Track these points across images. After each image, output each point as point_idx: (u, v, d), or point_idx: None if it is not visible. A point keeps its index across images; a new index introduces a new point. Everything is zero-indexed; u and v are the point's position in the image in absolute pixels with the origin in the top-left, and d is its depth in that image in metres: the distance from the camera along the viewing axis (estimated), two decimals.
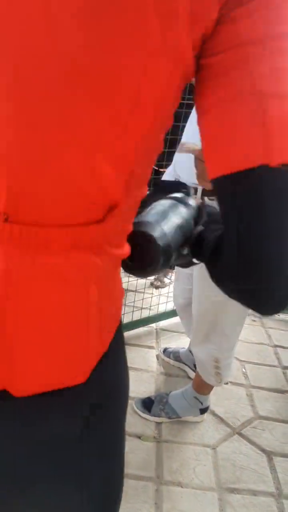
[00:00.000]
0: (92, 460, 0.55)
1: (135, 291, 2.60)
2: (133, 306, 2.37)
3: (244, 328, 2.52)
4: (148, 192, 0.56)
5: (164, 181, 1.38)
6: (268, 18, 0.40)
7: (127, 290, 2.66)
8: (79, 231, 0.45)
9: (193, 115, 1.30)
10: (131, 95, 0.40)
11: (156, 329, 2.42)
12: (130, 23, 0.38)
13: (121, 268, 0.57)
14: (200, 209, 0.60)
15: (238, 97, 0.40)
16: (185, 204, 0.59)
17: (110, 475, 0.61)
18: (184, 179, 1.31)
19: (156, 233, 0.51)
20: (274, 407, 1.96)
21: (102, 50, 0.38)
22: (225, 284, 0.51)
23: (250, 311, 2.67)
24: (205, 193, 0.98)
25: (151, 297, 2.58)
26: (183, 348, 2.13)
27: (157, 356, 2.18)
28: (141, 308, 2.37)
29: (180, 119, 1.77)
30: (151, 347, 2.25)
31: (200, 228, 0.58)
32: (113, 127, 0.41)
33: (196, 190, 0.98)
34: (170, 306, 2.45)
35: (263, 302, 0.47)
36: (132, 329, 2.34)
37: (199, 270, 1.50)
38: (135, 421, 1.76)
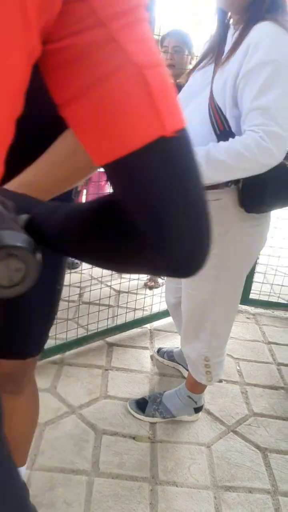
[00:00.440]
0: None
1: (128, 292, 2.59)
2: (126, 308, 2.36)
3: (237, 326, 2.54)
4: None
5: None
6: None
7: (120, 292, 2.66)
8: None
9: (195, 126, 1.31)
10: None
11: (150, 329, 2.42)
12: None
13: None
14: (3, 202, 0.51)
15: (117, 74, 0.39)
16: None
17: None
18: None
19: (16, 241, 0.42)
20: (268, 403, 1.96)
21: None
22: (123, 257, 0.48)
23: (243, 307, 2.67)
24: None
25: (144, 297, 2.59)
26: (177, 347, 2.13)
27: (151, 357, 2.18)
28: (135, 309, 2.37)
29: None
30: (145, 348, 2.25)
31: (24, 217, 0.52)
32: None
33: None
34: (163, 306, 2.45)
35: (174, 266, 0.45)
36: (126, 330, 2.34)
37: None
38: (129, 422, 1.76)
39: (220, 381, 2.04)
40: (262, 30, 1.13)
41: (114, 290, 2.67)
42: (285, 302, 2.80)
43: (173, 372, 2.08)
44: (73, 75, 0.40)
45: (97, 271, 2.79)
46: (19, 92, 0.40)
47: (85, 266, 2.73)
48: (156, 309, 2.49)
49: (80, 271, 2.35)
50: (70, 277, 2.21)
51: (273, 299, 2.80)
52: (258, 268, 2.72)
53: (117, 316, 2.38)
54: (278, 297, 2.82)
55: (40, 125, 0.73)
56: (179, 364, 2.07)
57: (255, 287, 2.70)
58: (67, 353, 2.11)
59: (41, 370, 1.98)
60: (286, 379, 2.13)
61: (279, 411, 1.92)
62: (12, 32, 0.36)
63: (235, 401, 1.94)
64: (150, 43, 0.41)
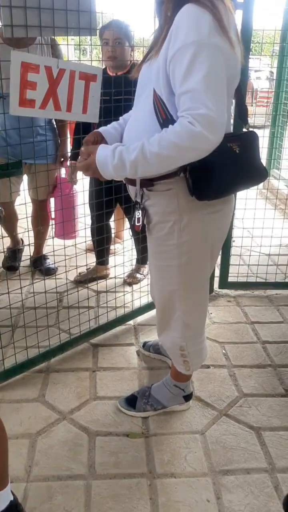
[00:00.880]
0: None
1: (107, 291, 2.58)
2: (107, 307, 2.35)
3: (220, 310, 2.55)
4: None
5: None
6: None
7: (99, 292, 2.64)
8: None
9: (143, 117, 1.30)
10: None
11: (133, 325, 2.41)
12: None
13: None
14: None
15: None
16: None
17: None
18: None
19: None
20: (257, 383, 1.97)
21: None
22: None
23: (223, 291, 2.69)
24: None
25: (124, 294, 2.57)
26: None
27: (138, 352, 2.17)
28: (116, 308, 2.36)
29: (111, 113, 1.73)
30: (130, 344, 2.24)
31: None
32: None
33: None
34: (144, 300, 2.45)
35: None
36: (110, 329, 2.33)
37: (153, 261, 1.50)
38: (121, 420, 1.75)
39: (208, 366, 2.05)
40: (182, 13, 1.12)
41: (93, 291, 2.65)
42: (263, 280, 2.82)
43: (160, 364, 2.08)
44: None
45: (73, 274, 2.76)
46: None
47: (60, 270, 2.70)
48: (137, 304, 2.48)
49: (54, 277, 2.32)
50: (45, 284, 2.18)
51: (252, 279, 2.82)
52: (233, 251, 2.73)
53: (98, 316, 2.36)
54: (256, 276, 2.84)
55: None
56: (165, 356, 2.06)
57: (232, 269, 2.72)
58: (52, 360, 2.09)
59: (28, 380, 1.96)
60: (272, 356, 2.15)
61: (268, 388, 1.94)
62: None
63: (224, 385, 1.95)
64: None
